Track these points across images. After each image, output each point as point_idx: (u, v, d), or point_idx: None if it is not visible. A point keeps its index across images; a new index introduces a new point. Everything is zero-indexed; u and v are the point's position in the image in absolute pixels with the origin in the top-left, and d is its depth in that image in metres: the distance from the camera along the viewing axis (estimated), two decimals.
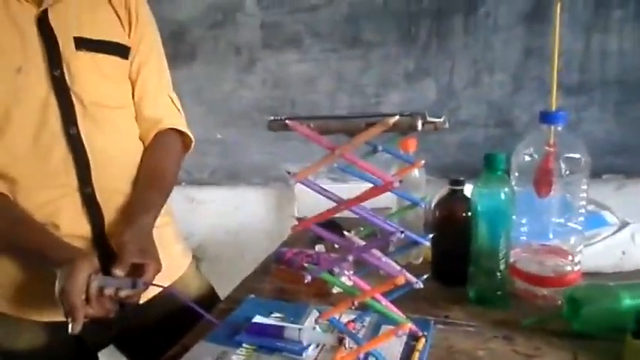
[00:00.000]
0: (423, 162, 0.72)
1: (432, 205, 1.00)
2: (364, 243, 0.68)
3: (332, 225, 1.17)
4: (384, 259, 0.68)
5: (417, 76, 1.50)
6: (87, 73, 0.91)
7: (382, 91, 1.53)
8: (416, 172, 1.04)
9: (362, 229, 1.14)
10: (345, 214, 0.66)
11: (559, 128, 0.85)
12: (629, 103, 1.41)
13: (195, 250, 1.79)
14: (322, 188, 0.63)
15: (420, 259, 1.06)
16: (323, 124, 0.62)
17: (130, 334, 1.03)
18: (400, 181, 0.58)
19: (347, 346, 0.71)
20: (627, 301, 0.76)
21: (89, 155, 0.90)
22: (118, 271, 0.79)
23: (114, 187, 0.94)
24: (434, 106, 1.49)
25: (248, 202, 1.76)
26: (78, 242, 0.88)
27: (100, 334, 0.98)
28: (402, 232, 0.59)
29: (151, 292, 0.97)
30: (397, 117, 0.57)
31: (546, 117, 0.86)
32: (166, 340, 0.82)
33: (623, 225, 1.00)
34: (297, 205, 1.67)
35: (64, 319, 0.88)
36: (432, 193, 1.10)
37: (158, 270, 0.83)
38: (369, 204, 0.69)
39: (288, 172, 0.63)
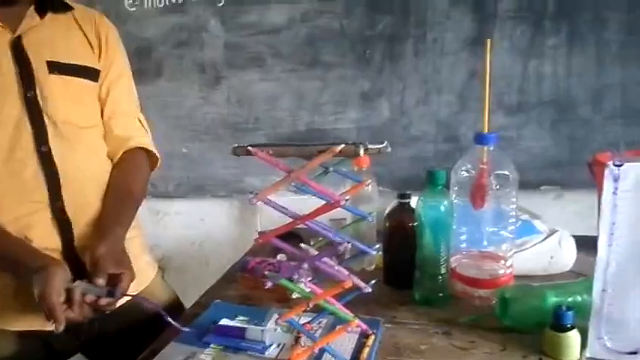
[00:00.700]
0: (369, 182, 0.82)
1: (384, 215, 1.10)
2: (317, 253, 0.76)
3: (293, 236, 1.25)
4: (337, 266, 0.77)
5: (371, 96, 1.60)
6: (59, 94, 0.97)
7: (340, 109, 1.62)
8: (368, 187, 1.13)
9: (320, 239, 1.23)
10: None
11: (491, 148, 0.97)
12: (562, 121, 1.55)
13: (160, 260, 1.85)
14: (280, 206, 0.72)
15: (373, 266, 1.16)
16: (281, 150, 0.71)
17: (98, 342, 1.07)
18: (347, 200, 0.67)
19: (303, 343, 0.79)
20: (553, 299, 0.87)
21: (59, 172, 0.96)
22: (101, 281, 0.85)
23: (83, 202, 0.99)
24: (387, 123, 1.59)
25: (212, 214, 1.82)
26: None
27: (68, 341, 1.03)
28: (348, 242, 0.69)
29: (119, 301, 1.03)
30: (342, 146, 0.67)
31: (480, 138, 0.97)
32: (133, 348, 0.88)
33: (552, 232, 1.12)
34: (260, 216, 1.75)
35: (34, 328, 0.94)
36: (385, 205, 1.20)
37: (132, 279, 0.90)
38: (326, 215, 0.78)
39: (251, 192, 0.72)
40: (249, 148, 0.70)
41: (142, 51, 1.67)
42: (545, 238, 1.11)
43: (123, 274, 0.88)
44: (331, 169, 0.83)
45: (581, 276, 1.08)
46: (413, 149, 1.60)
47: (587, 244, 1.12)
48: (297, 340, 0.82)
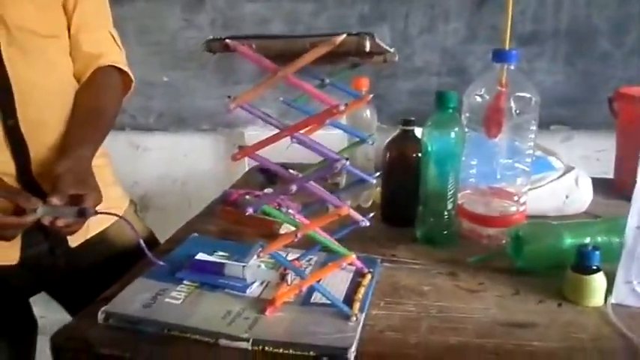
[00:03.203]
0: (371, 96, 0.69)
1: (383, 146, 0.99)
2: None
3: (285, 169, 1.14)
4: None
5: (371, 21, 1.45)
6: None
7: None
8: (367, 113, 1.01)
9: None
10: (298, 159, 0.63)
11: (511, 67, 0.84)
12: (578, 55, 1.42)
13: (140, 199, 1.73)
14: (264, 113, 0.60)
15: (370, 202, 1.05)
16: (265, 44, 0.58)
17: (62, 280, 0.98)
18: (346, 105, 0.55)
19: (290, 281, 0.69)
20: (569, 240, 0.77)
21: (13, 85, 0.83)
22: (55, 200, 0.73)
23: (41, 120, 0.87)
24: None
25: (196, 150, 1.70)
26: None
27: (28, 278, 0.93)
28: (346, 159, 0.57)
29: (82, 236, 0.93)
30: (344, 36, 0.54)
31: (499, 55, 0.84)
32: (99, 287, 0.78)
33: (568, 170, 1.01)
34: None
35: None
36: (382, 142, 1.09)
37: (99, 201, 0.78)
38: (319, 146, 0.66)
39: (229, 97, 0.59)
40: (228, 41, 0.57)
41: None
42: (562, 175, 1.00)
43: (86, 195, 0.76)
44: (327, 80, 0.71)
45: (597, 218, 0.98)
46: (415, 81, 1.47)
47: (598, 187, 1.03)
48: (283, 277, 0.71)
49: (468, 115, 0.89)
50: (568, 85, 1.44)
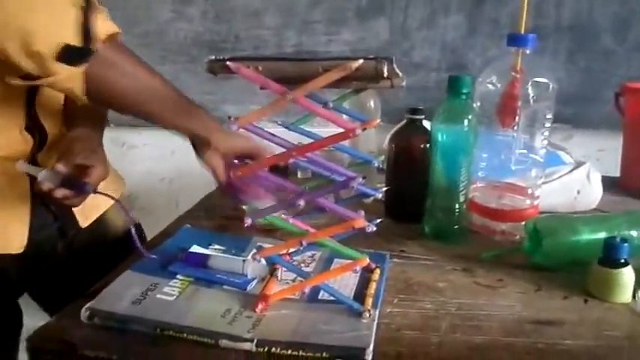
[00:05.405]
0: (378, 120, 0.64)
1: (388, 138, 0.94)
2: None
3: (277, 168, 1.08)
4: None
5: (369, 14, 1.41)
6: None
7: (333, 28, 1.43)
8: (372, 103, 0.96)
9: (309, 177, 1.06)
10: (295, 139, 0.61)
11: (527, 52, 0.80)
12: (579, 51, 1.39)
13: (125, 198, 1.65)
14: (270, 134, 0.56)
15: (371, 198, 0.99)
16: (272, 66, 0.54)
17: (55, 271, 0.90)
18: (364, 130, 0.52)
19: (279, 277, 0.65)
20: (586, 234, 0.73)
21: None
22: (61, 166, 0.69)
23: (55, 105, 0.83)
24: (386, 47, 1.41)
25: (184, 147, 1.60)
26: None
27: (25, 270, 0.85)
28: (364, 177, 0.54)
29: (92, 215, 0.89)
30: (361, 61, 0.50)
31: (515, 39, 0.80)
32: (91, 276, 0.71)
33: (579, 164, 0.97)
34: None
35: None
36: (381, 140, 1.04)
37: (103, 177, 0.73)
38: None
39: (229, 117, 0.58)
40: (229, 63, 0.53)
41: None
42: (573, 169, 0.96)
43: (93, 168, 0.72)
44: (331, 104, 0.65)
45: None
46: (414, 77, 1.42)
47: (604, 185, 0.99)
48: (272, 272, 0.66)
49: (479, 104, 0.84)
50: (569, 82, 1.40)
